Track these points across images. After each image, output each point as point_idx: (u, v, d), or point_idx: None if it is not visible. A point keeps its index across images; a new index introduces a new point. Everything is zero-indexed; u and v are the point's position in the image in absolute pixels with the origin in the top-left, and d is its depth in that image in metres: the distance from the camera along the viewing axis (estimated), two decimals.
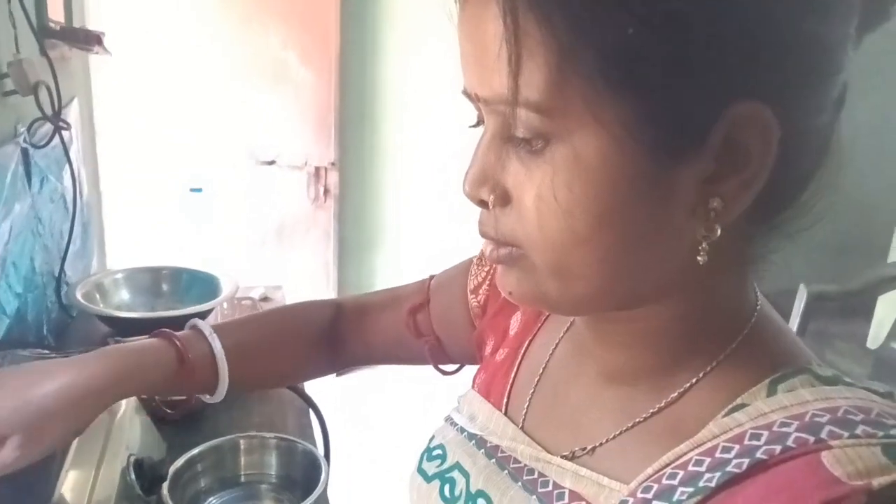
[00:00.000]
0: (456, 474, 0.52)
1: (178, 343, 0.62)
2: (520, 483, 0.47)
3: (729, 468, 0.35)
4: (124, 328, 1.19)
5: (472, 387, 0.60)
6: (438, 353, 0.71)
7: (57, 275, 1.28)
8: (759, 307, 0.43)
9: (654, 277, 0.40)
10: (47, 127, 1.17)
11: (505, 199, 0.39)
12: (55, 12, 1.42)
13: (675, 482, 0.37)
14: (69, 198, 1.34)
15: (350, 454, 2.27)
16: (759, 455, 0.35)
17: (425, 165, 3.20)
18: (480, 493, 0.49)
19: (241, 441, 0.88)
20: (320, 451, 0.93)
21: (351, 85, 2.97)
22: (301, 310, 0.77)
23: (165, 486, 0.74)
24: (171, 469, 0.76)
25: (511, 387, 0.55)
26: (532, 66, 0.35)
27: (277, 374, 0.76)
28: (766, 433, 0.36)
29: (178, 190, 2.78)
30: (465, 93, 0.41)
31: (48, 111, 1.12)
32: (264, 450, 0.89)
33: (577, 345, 0.51)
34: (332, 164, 2.91)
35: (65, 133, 1.23)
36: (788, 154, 0.36)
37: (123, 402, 0.86)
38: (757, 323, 0.42)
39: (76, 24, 1.50)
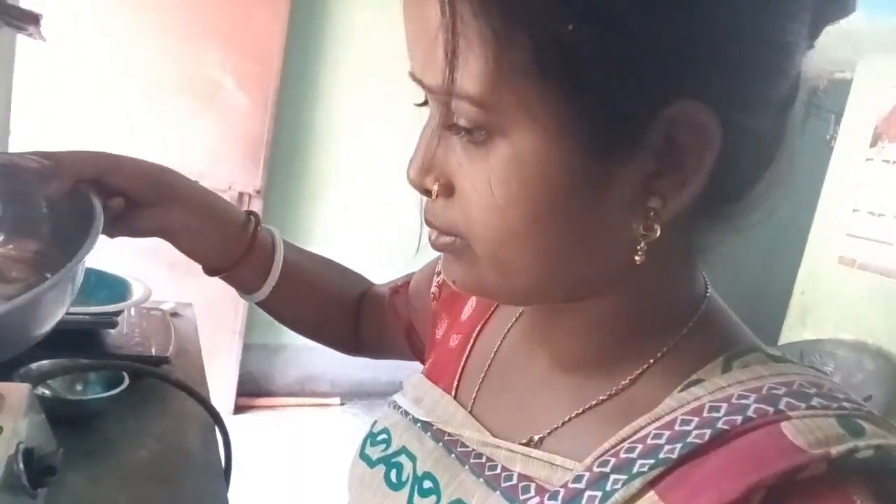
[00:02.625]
0: (403, 458, 0.51)
1: (254, 219, 0.70)
2: (467, 466, 0.47)
3: (690, 439, 0.36)
4: None
5: (422, 371, 0.59)
6: (413, 339, 0.72)
7: None
8: (708, 295, 0.44)
9: (594, 273, 0.40)
10: None
11: (449, 189, 0.39)
12: None
13: (634, 455, 0.37)
14: None
15: (254, 471, 2.14)
16: (720, 426, 0.35)
17: (353, 201, 3.20)
18: (427, 475, 0.48)
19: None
20: (221, 465, 0.88)
21: (287, 115, 2.95)
22: (351, 274, 0.83)
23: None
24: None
25: (462, 372, 0.55)
26: (470, 57, 0.34)
27: (311, 312, 0.79)
28: (724, 405, 0.36)
29: None
30: (411, 75, 0.40)
31: None
32: None
33: (527, 332, 0.51)
34: (258, 191, 2.86)
35: None
36: (732, 154, 0.36)
37: (13, 387, 0.79)
38: (707, 309, 0.43)
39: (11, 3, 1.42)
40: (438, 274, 0.66)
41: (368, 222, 3.20)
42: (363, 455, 0.55)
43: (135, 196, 0.63)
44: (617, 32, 0.32)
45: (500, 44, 0.33)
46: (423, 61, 0.37)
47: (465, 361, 0.55)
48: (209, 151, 2.79)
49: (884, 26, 2.59)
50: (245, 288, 0.72)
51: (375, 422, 0.57)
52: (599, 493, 0.36)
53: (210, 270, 0.72)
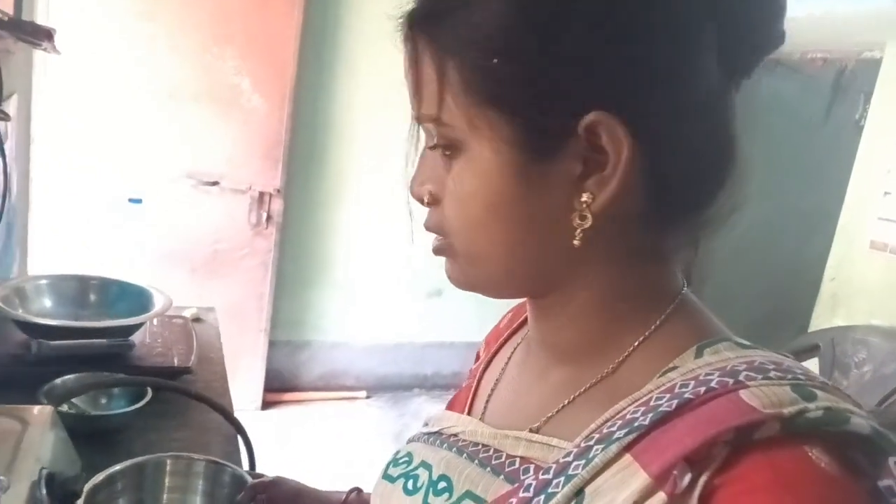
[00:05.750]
0: (420, 470, 0.55)
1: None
2: (476, 461, 0.51)
3: (661, 409, 0.40)
4: (43, 335, 1.11)
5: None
6: None
7: None
8: (684, 292, 0.50)
9: (551, 261, 0.47)
10: None
11: (437, 197, 0.49)
12: (5, 3, 1.36)
13: (615, 429, 0.42)
14: None
15: (281, 467, 2.17)
16: (685, 396, 0.40)
17: (372, 204, 3.19)
18: (442, 477, 0.53)
19: (168, 461, 0.82)
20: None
21: (303, 116, 2.95)
22: None
23: (80, 503, 0.68)
24: (88, 485, 0.70)
25: (474, 394, 0.61)
26: (429, 88, 0.45)
27: None
28: (692, 382, 0.41)
29: (111, 201, 2.67)
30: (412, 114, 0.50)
31: None
32: (190, 472, 0.83)
33: (527, 345, 0.58)
34: (278, 190, 2.87)
35: (0, 124, 1.17)
36: (666, 159, 0.43)
37: (36, 410, 0.80)
38: (681, 303, 0.49)
39: (25, 18, 1.44)
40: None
41: (390, 217, 3.19)
42: (386, 475, 0.58)
43: None
44: (531, 59, 0.42)
45: (445, 75, 0.44)
46: (413, 101, 0.47)
47: (478, 384, 0.62)
48: (229, 154, 2.80)
49: None
50: None
51: (398, 451, 0.60)
52: (583, 461, 0.42)
53: None
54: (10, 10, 1.39)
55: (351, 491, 0.78)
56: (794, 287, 4.00)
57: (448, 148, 0.46)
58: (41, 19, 1.87)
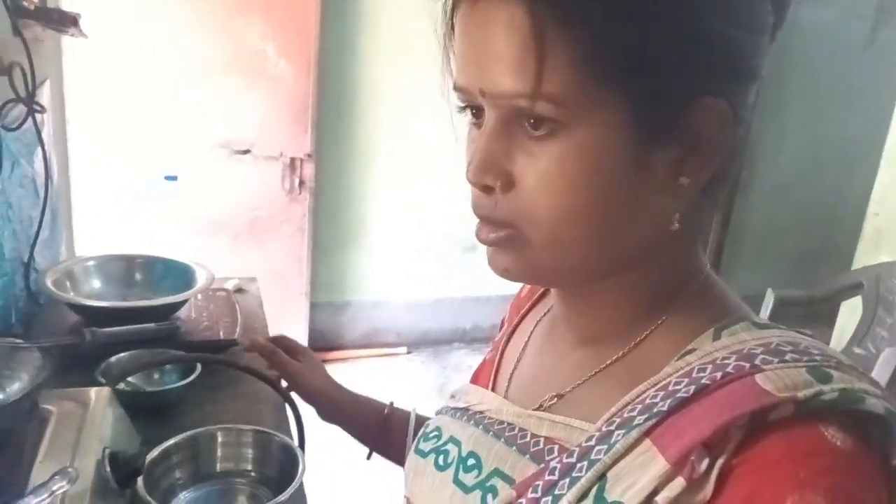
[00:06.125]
0: (450, 446, 0.57)
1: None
2: (502, 439, 0.53)
3: (679, 395, 0.41)
4: (94, 317, 1.17)
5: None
6: None
7: (26, 261, 1.24)
8: (705, 270, 0.50)
9: (634, 245, 0.46)
10: (19, 109, 1.13)
11: (510, 183, 0.44)
12: None
13: (635, 413, 0.43)
14: (40, 182, 1.30)
15: (325, 449, 2.26)
16: (703, 381, 0.41)
17: (403, 162, 3.20)
18: (471, 454, 0.54)
19: (218, 433, 0.86)
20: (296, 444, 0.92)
21: (329, 79, 2.95)
22: None
23: (141, 479, 0.73)
24: (146, 460, 0.75)
25: (497, 369, 0.62)
26: (551, 62, 0.41)
27: None
28: (710, 366, 0.42)
29: (148, 178, 2.72)
30: (461, 87, 0.46)
31: (21, 93, 1.09)
32: (241, 442, 0.87)
33: (551, 323, 0.58)
34: (309, 155, 2.89)
35: (37, 116, 1.20)
36: (734, 139, 0.44)
37: (94, 392, 0.84)
38: (703, 283, 0.49)
39: (50, 5, 1.45)
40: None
41: (421, 174, 3.19)
42: (417, 450, 0.60)
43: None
44: (655, 44, 0.41)
45: (580, 53, 0.40)
46: (486, 72, 0.43)
47: (500, 359, 0.62)
48: (259, 121, 2.81)
49: None
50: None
51: (428, 423, 0.63)
52: (605, 446, 0.42)
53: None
54: None
55: (389, 405, 0.86)
56: (838, 222, 3.90)
57: (541, 126, 0.42)
58: (66, 4, 1.89)
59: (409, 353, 3.53)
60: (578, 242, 0.44)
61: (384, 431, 0.83)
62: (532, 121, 0.42)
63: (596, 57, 0.40)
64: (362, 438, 0.87)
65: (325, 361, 3.63)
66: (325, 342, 3.37)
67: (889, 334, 2.58)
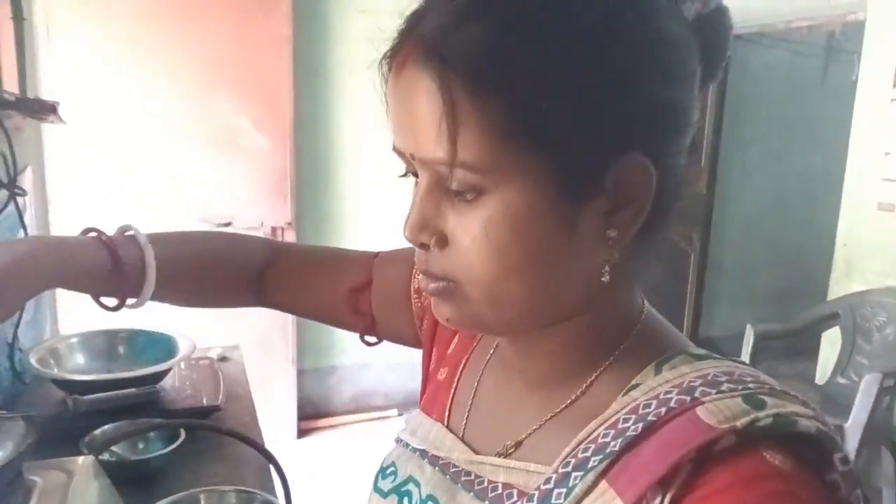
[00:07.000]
0: (410, 486, 0.57)
1: (110, 245, 0.68)
2: (459, 484, 0.53)
3: (628, 433, 0.43)
4: (79, 391, 1.18)
5: (419, 407, 0.66)
6: (370, 330, 0.76)
7: (10, 342, 1.26)
8: (644, 310, 0.52)
9: (570, 297, 0.48)
10: (1, 194, 1.18)
11: (443, 241, 0.46)
12: (10, 83, 1.45)
13: (589, 454, 0.44)
14: None
15: (321, 492, 2.23)
16: (649, 418, 0.43)
17: (384, 223, 3.25)
18: (430, 497, 0.55)
19: (201, 496, 0.88)
20: (281, 502, 0.93)
21: (306, 150, 3.03)
22: (239, 242, 0.82)
23: None
24: None
25: (451, 402, 0.61)
26: (466, 133, 0.42)
27: (201, 295, 0.82)
28: (654, 402, 0.44)
29: None
30: (397, 150, 0.48)
31: (3, 179, 1.13)
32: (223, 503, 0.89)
33: (503, 362, 0.58)
34: (289, 223, 2.94)
35: (19, 200, 1.24)
36: (660, 189, 0.45)
37: (78, 462, 0.86)
38: (644, 322, 0.51)
39: (30, 94, 1.52)
40: (417, 293, 0.71)
41: (401, 237, 3.25)
42: (376, 489, 0.61)
43: None
44: (581, 107, 0.42)
45: (493, 121, 0.41)
46: (415, 138, 0.45)
47: (454, 392, 0.62)
48: (238, 194, 2.89)
49: None
50: (128, 296, 0.71)
51: (385, 458, 0.63)
52: (564, 490, 0.44)
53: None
54: (14, 88, 1.47)
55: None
56: (809, 255, 3.98)
57: (467, 192, 0.44)
58: (45, 88, 1.96)
59: (400, 414, 3.51)
60: (513, 299, 0.45)
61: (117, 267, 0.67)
62: (458, 185, 0.43)
63: (510, 127, 0.41)
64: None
65: (315, 430, 3.53)
66: (314, 409, 3.35)
67: (869, 361, 2.62)
